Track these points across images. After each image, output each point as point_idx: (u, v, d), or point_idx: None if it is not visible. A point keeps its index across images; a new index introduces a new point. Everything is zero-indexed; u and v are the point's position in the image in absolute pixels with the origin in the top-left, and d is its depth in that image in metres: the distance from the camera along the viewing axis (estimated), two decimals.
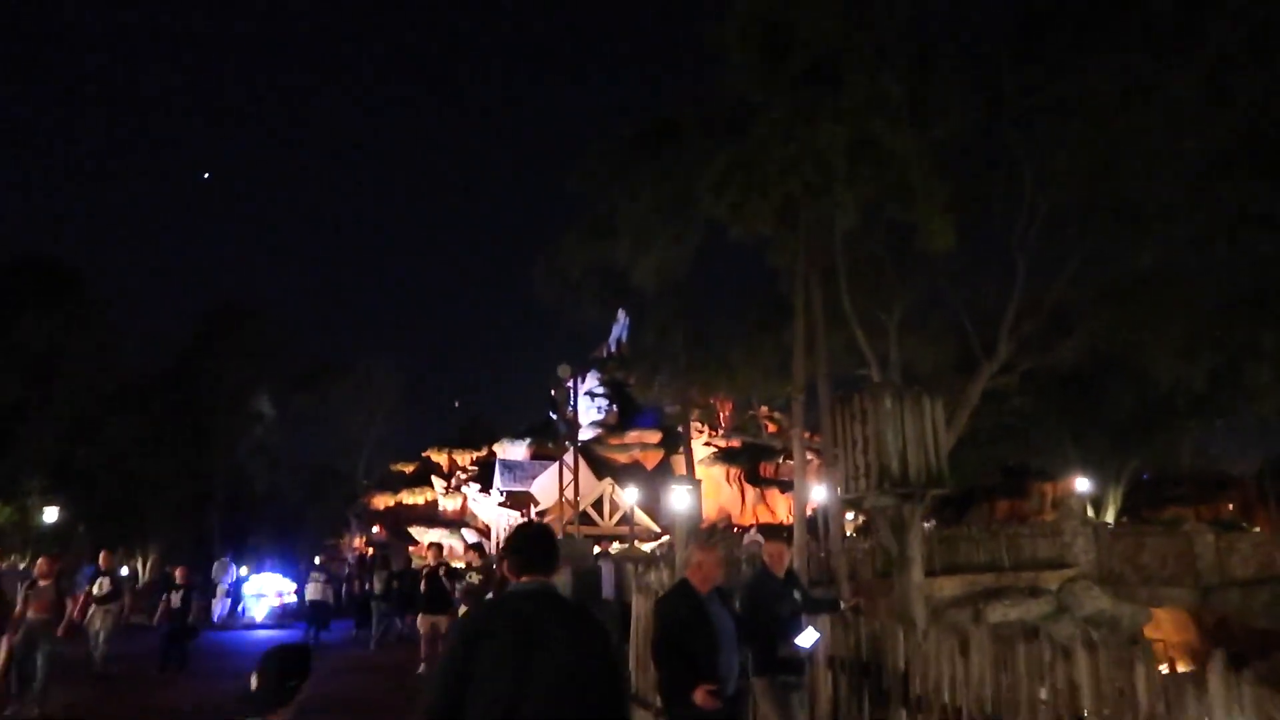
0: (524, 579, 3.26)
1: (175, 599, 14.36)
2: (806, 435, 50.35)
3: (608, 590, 17.43)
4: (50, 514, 30.32)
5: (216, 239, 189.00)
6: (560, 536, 19.08)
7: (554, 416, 55.23)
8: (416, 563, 43.31)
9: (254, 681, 3.23)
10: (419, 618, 13.33)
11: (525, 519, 47.04)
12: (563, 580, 16.15)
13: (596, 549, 18.01)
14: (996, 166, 19.03)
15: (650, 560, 20.03)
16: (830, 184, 13.29)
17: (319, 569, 20.49)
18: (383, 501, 52.69)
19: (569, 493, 21.15)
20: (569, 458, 22.86)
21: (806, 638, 6.09)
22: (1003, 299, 19.89)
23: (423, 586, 13.56)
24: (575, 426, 17.94)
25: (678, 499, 13.24)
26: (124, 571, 45.69)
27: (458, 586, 13.82)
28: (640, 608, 10.80)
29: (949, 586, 22.80)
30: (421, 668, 12.88)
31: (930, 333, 20.80)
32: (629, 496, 32.31)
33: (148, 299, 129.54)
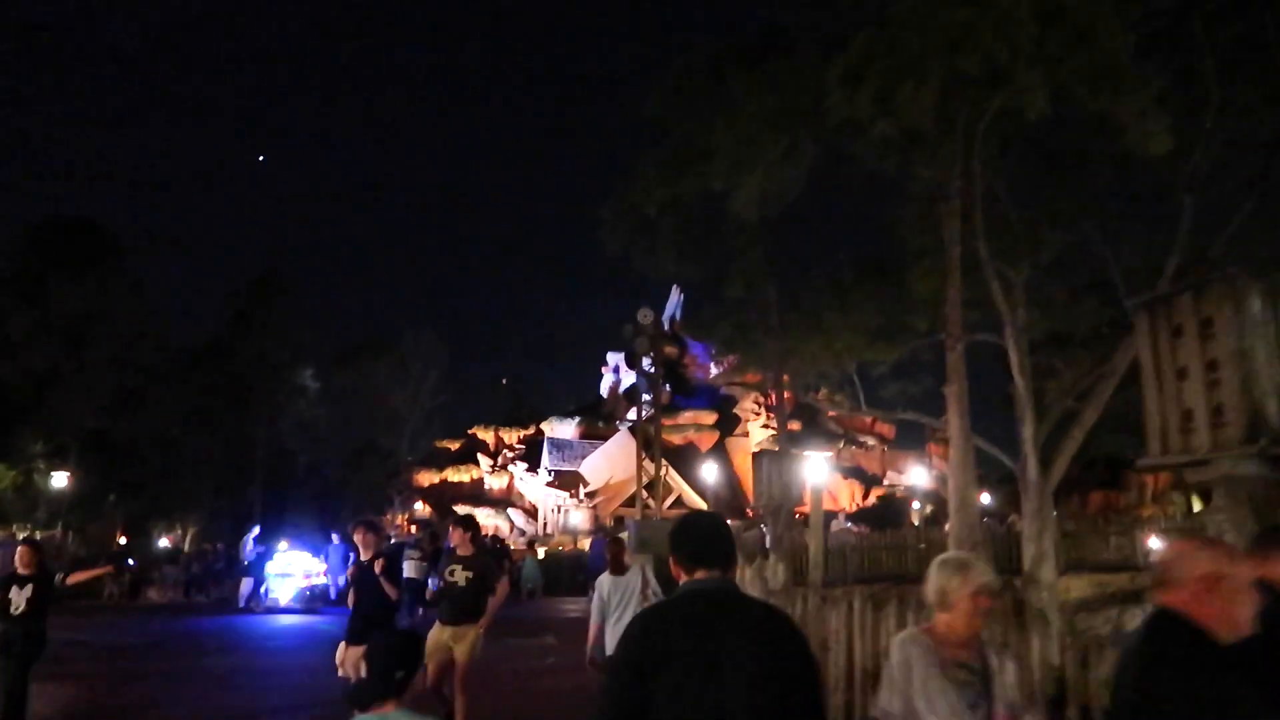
0: (698, 575, 2.53)
1: (18, 599, 7.78)
2: (870, 420, 46.77)
3: None
4: (59, 480, 27.53)
5: (259, 210, 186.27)
6: (638, 519, 15.99)
7: (625, 372, 52.08)
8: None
9: (362, 672, 3.00)
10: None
11: (573, 497, 44.25)
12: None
13: None
14: (1169, 81, 15.35)
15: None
16: (1016, 61, 9.93)
17: (413, 545, 18.91)
18: (427, 478, 50.01)
19: (642, 467, 17.91)
20: (628, 419, 19.63)
21: None
22: (1159, 249, 16.33)
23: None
24: (657, 383, 14.69)
25: (813, 470, 10.00)
26: (164, 544, 43.66)
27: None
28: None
29: (1075, 588, 19.22)
30: None
31: (1066, 289, 17.26)
32: (708, 473, 29.30)
33: (191, 271, 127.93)
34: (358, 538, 7.81)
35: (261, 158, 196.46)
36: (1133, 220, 17.57)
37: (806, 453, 11.67)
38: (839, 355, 18.67)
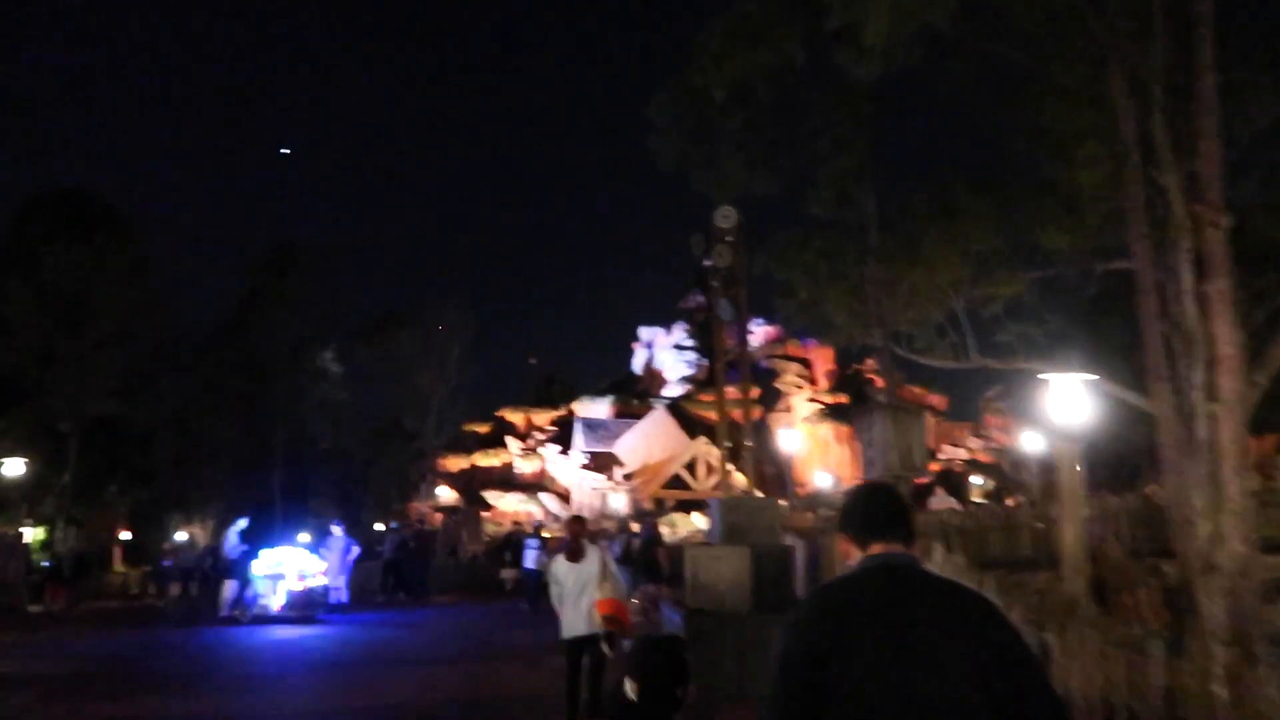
0: (874, 549, 2.11)
1: None
2: (921, 391, 42.54)
3: (801, 582, 10.35)
4: (13, 468, 23.50)
5: (278, 191, 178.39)
6: (723, 497, 11.95)
7: (657, 347, 48.06)
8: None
9: (630, 688, 2.47)
10: None
11: (609, 479, 40.39)
12: (737, 564, 9.11)
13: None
14: None
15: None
16: None
17: (533, 537, 19.38)
18: (455, 464, 46.17)
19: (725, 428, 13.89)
20: (662, 395, 15.45)
21: None
22: None
23: None
24: (743, 307, 10.61)
25: (1064, 405, 5.70)
26: (182, 537, 40.36)
27: None
28: None
29: (1258, 569, 15.01)
30: None
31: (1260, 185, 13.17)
32: (787, 442, 26.10)
33: (205, 248, 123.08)
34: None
35: (283, 150, 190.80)
36: None
37: (1047, 375, 7.69)
38: (943, 290, 14.56)
